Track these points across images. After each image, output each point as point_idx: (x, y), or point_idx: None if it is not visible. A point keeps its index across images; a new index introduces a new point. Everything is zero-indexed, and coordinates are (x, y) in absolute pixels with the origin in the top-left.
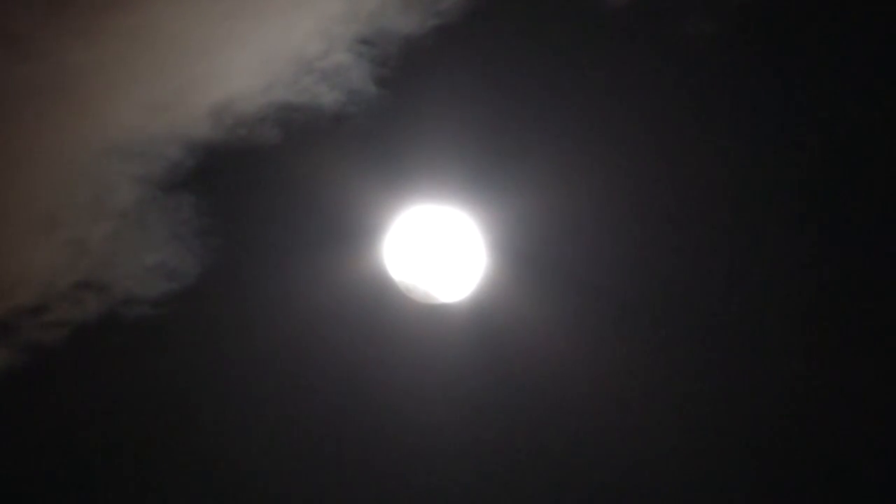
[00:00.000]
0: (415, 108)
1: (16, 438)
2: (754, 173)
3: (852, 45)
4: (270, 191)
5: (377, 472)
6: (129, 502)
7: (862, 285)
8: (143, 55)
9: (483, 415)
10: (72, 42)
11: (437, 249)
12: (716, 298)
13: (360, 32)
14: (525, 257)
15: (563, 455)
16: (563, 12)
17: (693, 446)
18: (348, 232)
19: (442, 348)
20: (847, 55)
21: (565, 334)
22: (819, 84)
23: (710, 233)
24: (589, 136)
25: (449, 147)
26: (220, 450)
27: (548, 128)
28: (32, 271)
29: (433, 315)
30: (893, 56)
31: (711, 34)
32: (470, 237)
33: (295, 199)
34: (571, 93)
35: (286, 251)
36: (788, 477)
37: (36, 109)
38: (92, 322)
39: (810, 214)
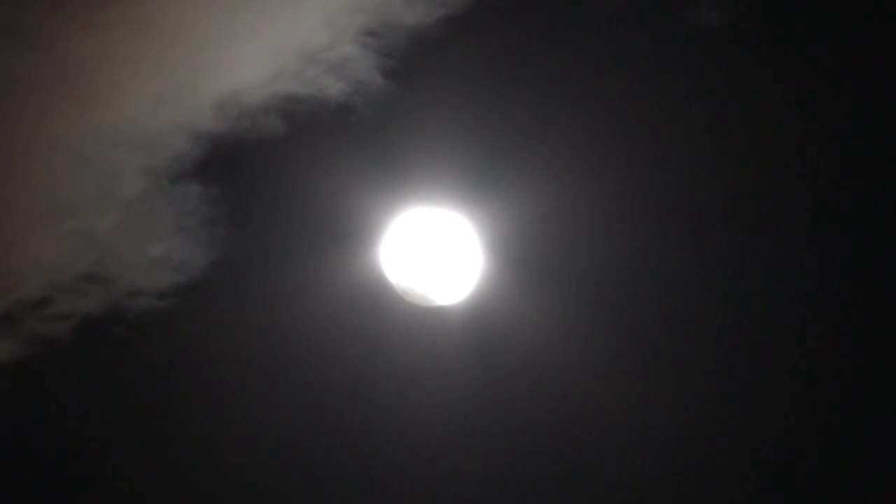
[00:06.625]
0: (420, 100)
1: (20, 431)
2: (757, 172)
3: (859, 38)
4: (275, 183)
5: (374, 473)
6: (133, 495)
7: (864, 284)
8: (148, 46)
9: (480, 417)
10: (77, 33)
11: (434, 252)
12: (715, 299)
13: (366, 23)
14: (522, 260)
15: (562, 456)
16: (568, 6)
17: (693, 446)
18: (345, 234)
19: (439, 351)
20: (855, 48)
21: (562, 336)
22: (826, 78)
23: (710, 233)
24: (588, 137)
25: (449, 146)
26: (221, 445)
27: (548, 128)
28: (37, 263)
29: (430, 317)
30: None
31: (715, 30)
32: (467, 239)
33: (295, 198)
34: (573, 91)
35: (285, 250)
36: (788, 477)
37: (41, 101)
38: (97, 314)
39: (815, 213)
